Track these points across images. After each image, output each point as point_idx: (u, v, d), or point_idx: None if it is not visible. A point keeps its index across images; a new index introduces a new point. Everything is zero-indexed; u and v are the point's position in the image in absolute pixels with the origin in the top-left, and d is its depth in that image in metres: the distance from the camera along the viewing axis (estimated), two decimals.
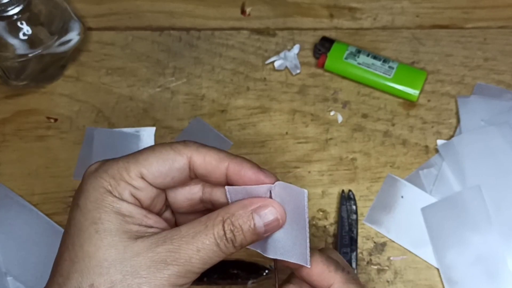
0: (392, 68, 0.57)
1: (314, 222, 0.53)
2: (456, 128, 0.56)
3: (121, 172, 0.36)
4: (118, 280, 0.33)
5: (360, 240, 0.52)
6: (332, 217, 0.53)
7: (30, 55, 0.55)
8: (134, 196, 0.36)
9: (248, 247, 0.37)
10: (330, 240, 0.52)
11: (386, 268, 0.51)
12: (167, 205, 0.39)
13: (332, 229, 0.53)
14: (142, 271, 0.34)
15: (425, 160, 0.55)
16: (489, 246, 0.50)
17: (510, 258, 0.50)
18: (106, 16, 0.63)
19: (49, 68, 0.58)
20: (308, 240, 0.35)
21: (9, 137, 0.57)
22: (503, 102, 0.56)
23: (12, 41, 0.54)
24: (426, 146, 0.56)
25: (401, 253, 0.52)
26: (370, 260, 0.52)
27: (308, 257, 0.35)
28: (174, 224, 0.40)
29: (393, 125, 0.57)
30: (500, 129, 0.54)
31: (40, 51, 0.55)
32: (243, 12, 0.63)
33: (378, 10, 0.62)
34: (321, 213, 0.53)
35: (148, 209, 0.37)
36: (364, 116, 0.57)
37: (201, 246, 0.34)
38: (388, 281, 0.51)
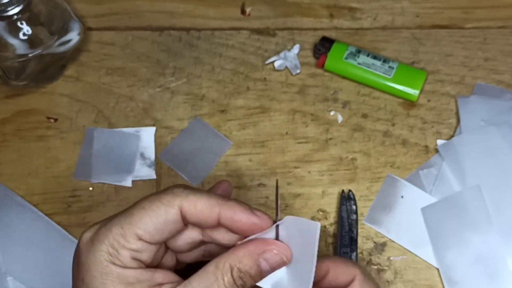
0: (392, 68, 0.57)
1: None
2: (456, 128, 0.56)
3: (118, 239, 0.36)
4: None
5: (360, 240, 0.52)
6: (332, 217, 0.53)
7: (30, 55, 0.55)
8: (136, 259, 0.36)
9: None
10: (330, 240, 0.52)
11: (386, 268, 0.51)
12: (167, 247, 0.39)
13: (332, 229, 0.53)
14: None
15: (425, 160, 0.55)
16: (489, 246, 0.50)
17: (510, 258, 0.50)
18: (106, 16, 0.63)
19: (49, 68, 0.58)
20: (313, 274, 0.36)
21: (9, 137, 0.57)
22: (503, 102, 0.56)
23: (12, 41, 0.54)
24: (426, 146, 0.56)
25: (401, 253, 0.52)
26: (370, 260, 0.52)
27: (311, 283, 0.36)
28: (176, 262, 0.40)
29: (393, 125, 0.57)
30: (500, 129, 0.54)
31: (40, 51, 0.55)
32: (243, 12, 0.63)
33: (378, 10, 0.62)
34: (321, 213, 0.53)
35: (152, 265, 0.37)
36: (364, 116, 0.57)
37: None
38: (388, 281, 0.51)
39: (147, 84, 0.59)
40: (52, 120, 0.58)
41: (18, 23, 0.54)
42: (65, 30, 0.57)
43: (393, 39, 0.61)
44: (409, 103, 0.58)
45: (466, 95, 0.58)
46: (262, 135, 0.57)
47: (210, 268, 0.36)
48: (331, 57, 0.58)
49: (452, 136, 0.56)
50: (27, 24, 0.54)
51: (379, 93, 0.58)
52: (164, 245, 0.39)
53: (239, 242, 0.37)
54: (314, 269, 0.36)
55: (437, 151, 0.55)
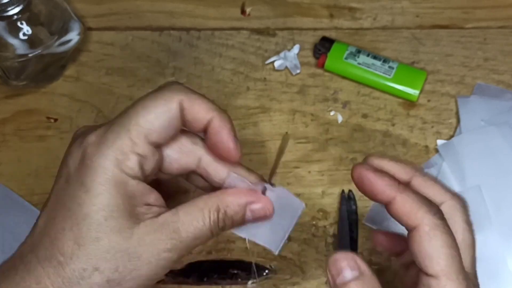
0: (392, 68, 0.57)
1: (314, 222, 0.53)
2: (456, 128, 0.56)
3: (126, 143, 0.35)
4: (122, 265, 0.34)
5: (360, 240, 0.52)
6: (332, 217, 0.53)
7: (30, 55, 0.55)
8: (141, 168, 0.35)
9: None
10: (330, 240, 0.52)
11: (386, 268, 0.51)
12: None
13: (332, 229, 0.53)
14: (145, 255, 0.35)
15: (425, 160, 0.55)
16: (489, 246, 0.50)
17: (510, 258, 0.50)
18: (106, 16, 0.63)
19: (49, 68, 0.58)
20: (284, 239, 0.39)
21: (9, 137, 0.57)
22: (503, 102, 0.56)
23: (12, 41, 0.54)
24: (426, 146, 0.56)
25: None
26: (371, 260, 0.52)
27: (280, 246, 0.39)
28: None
29: (393, 125, 0.57)
30: (500, 129, 0.54)
31: (40, 51, 0.55)
32: (243, 12, 0.63)
33: (378, 10, 0.62)
34: (321, 213, 0.53)
35: (146, 181, 0.37)
36: (364, 116, 0.57)
37: (198, 234, 0.36)
38: (388, 281, 0.51)
39: (147, 84, 0.59)
40: (52, 120, 0.58)
41: (18, 23, 0.54)
42: (65, 30, 0.57)
43: (393, 39, 0.61)
44: (409, 103, 0.58)
45: (466, 95, 0.58)
46: (262, 135, 0.57)
47: (199, 203, 0.36)
48: (331, 57, 0.58)
49: (452, 136, 0.56)
50: (27, 24, 0.54)
51: (379, 93, 0.58)
52: (158, 161, 0.38)
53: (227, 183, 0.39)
54: (286, 236, 0.39)
55: (437, 151, 0.55)
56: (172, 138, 0.38)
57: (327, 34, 0.60)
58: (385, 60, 0.58)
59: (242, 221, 0.38)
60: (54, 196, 0.36)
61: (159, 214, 0.36)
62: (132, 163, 0.35)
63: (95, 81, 0.60)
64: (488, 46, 0.60)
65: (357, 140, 0.56)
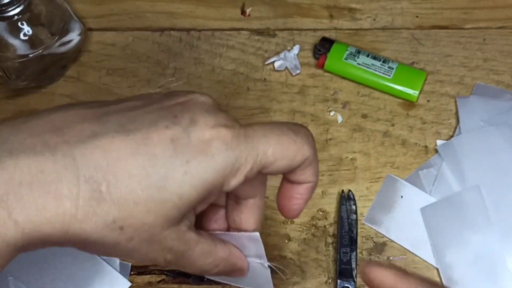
0: (392, 68, 0.57)
1: (314, 222, 0.53)
2: (455, 128, 0.56)
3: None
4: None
5: (360, 240, 0.52)
6: (332, 217, 0.53)
7: (30, 55, 0.55)
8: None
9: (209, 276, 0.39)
10: (330, 240, 0.52)
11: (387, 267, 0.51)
12: None
13: (332, 229, 0.53)
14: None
15: (424, 160, 0.55)
16: (489, 246, 0.50)
17: (510, 258, 0.50)
18: (107, 17, 0.63)
19: (50, 69, 0.58)
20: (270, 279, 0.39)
21: None
22: (502, 102, 0.56)
23: (13, 41, 0.54)
24: (426, 146, 0.56)
25: (400, 253, 0.52)
26: (370, 260, 0.52)
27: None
28: None
29: (392, 125, 0.57)
30: (500, 129, 0.54)
31: (40, 51, 0.56)
32: (243, 12, 0.63)
33: (377, 11, 0.62)
34: (321, 213, 0.54)
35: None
36: (364, 116, 0.57)
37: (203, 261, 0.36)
38: None
39: (147, 84, 0.59)
40: None
41: (19, 24, 0.54)
42: (65, 31, 0.57)
43: (392, 39, 0.61)
44: (409, 103, 0.58)
45: (466, 96, 0.58)
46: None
47: (214, 250, 0.36)
48: (331, 58, 0.58)
49: (451, 136, 0.56)
50: (28, 25, 0.54)
51: (378, 94, 0.58)
52: None
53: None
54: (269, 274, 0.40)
55: (436, 151, 0.55)
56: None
57: (327, 34, 0.61)
58: (385, 61, 0.58)
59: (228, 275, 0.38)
60: None
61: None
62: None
63: (96, 81, 0.60)
64: (488, 47, 0.60)
65: (357, 140, 0.56)
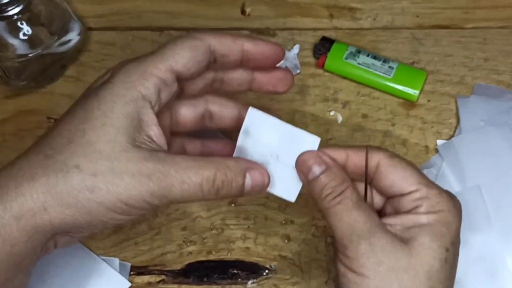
0: (392, 68, 0.57)
1: (314, 222, 0.53)
2: (456, 128, 0.56)
3: (150, 65, 0.38)
4: (101, 172, 0.35)
5: None
6: None
7: (30, 55, 0.55)
8: (157, 92, 0.38)
9: None
10: (330, 240, 0.52)
11: None
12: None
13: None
14: (126, 175, 0.35)
15: (425, 160, 0.55)
16: (489, 246, 0.50)
17: (510, 258, 0.50)
18: (106, 16, 0.63)
19: (49, 68, 0.58)
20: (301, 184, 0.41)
21: (9, 137, 0.57)
22: (503, 102, 0.56)
23: (12, 41, 0.54)
24: (426, 146, 0.56)
25: None
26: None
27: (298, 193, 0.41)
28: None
29: (393, 125, 0.57)
30: (500, 129, 0.54)
31: (40, 51, 0.55)
32: (243, 12, 0.63)
33: (378, 10, 0.62)
34: (321, 213, 0.53)
35: (160, 113, 0.39)
36: (364, 116, 0.57)
37: (186, 180, 0.36)
38: None
39: None
40: (52, 121, 0.58)
41: (18, 23, 0.54)
42: (65, 30, 0.57)
43: (393, 39, 0.61)
44: (409, 103, 0.58)
45: (466, 95, 0.58)
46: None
47: (199, 157, 0.38)
48: (331, 57, 0.58)
49: (452, 136, 0.56)
50: (27, 24, 0.54)
51: (379, 93, 0.58)
52: (176, 93, 0.40)
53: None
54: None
55: (437, 151, 0.55)
56: (196, 74, 0.40)
57: (327, 34, 0.60)
58: (385, 60, 0.58)
59: (239, 189, 0.38)
60: (67, 111, 0.39)
61: (156, 150, 0.37)
62: (149, 84, 0.37)
63: None
64: (488, 46, 0.60)
65: (357, 140, 0.56)
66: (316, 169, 0.39)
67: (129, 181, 0.35)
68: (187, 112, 0.43)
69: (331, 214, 0.39)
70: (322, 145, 0.41)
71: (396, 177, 0.39)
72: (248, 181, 0.39)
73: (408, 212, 0.38)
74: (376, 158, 0.39)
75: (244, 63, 0.42)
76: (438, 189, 0.39)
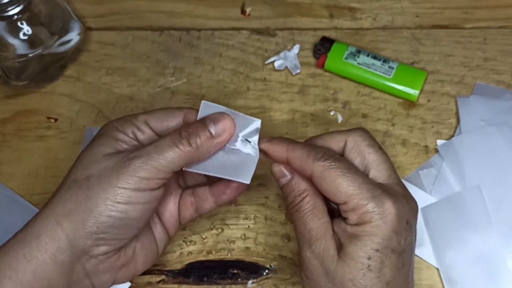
0: (392, 68, 0.57)
1: None
2: (456, 128, 0.56)
3: (130, 117, 0.44)
4: (93, 175, 0.41)
5: None
6: None
7: (30, 55, 0.55)
8: (134, 134, 0.43)
9: (193, 170, 0.43)
10: None
11: None
12: None
13: None
14: (116, 167, 0.40)
15: (425, 160, 0.55)
16: (489, 246, 0.50)
17: (510, 258, 0.50)
18: (106, 16, 0.63)
19: (49, 68, 0.58)
20: (254, 166, 0.43)
21: (9, 137, 0.57)
22: (503, 102, 0.56)
23: (12, 41, 0.54)
24: (426, 146, 0.56)
25: None
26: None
27: (250, 177, 0.43)
28: None
29: (393, 125, 0.57)
30: (500, 129, 0.54)
31: (40, 51, 0.55)
32: (243, 12, 0.63)
33: (378, 10, 0.62)
34: None
35: None
36: (364, 116, 0.57)
37: (159, 145, 0.41)
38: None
39: (147, 84, 0.59)
40: (52, 120, 0.58)
41: (18, 23, 0.54)
42: (65, 30, 0.57)
43: (393, 39, 0.61)
44: (409, 103, 0.58)
45: (466, 95, 0.58)
46: (262, 135, 0.57)
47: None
48: (331, 57, 0.58)
49: (452, 136, 0.56)
50: (27, 24, 0.54)
51: (379, 93, 0.58)
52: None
53: None
54: (256, 162, 0.44)
55: (437, 151, 0.55)
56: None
57: (327, 34, 0.60)
58: (385, 60, 0.58)
59: (207, 134, 0.42)
60: None
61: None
62: (127, 127, 0.43)
63: (95, 81, 0.60)
64: (488, 46, 0.60)
65: None
66: (283, 180, 0.43)
67: (119, 169, 0.41)
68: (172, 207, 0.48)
69: (293, 220, 0.42)
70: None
71: (328, 190, 0.40)
72: (212, 126, 0.42)
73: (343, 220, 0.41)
74: (309, 171, 0.41)
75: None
76: (371, 197, 0.39)
